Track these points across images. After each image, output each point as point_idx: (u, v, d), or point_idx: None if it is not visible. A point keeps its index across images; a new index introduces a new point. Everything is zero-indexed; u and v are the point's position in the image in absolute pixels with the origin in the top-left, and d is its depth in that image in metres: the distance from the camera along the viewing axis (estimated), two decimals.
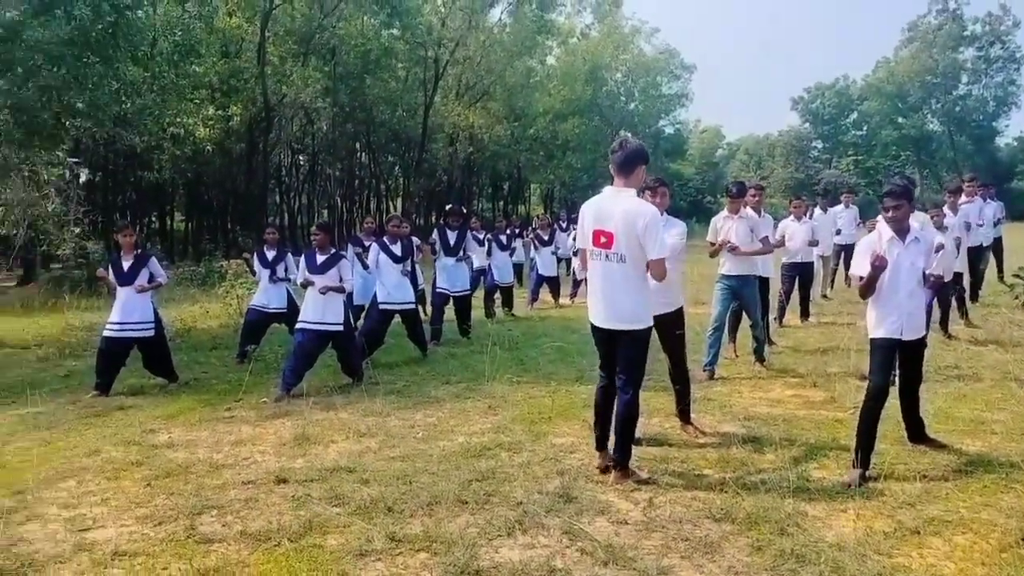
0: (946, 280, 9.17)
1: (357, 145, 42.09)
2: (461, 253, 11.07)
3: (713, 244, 8.13)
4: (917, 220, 5.32)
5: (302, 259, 8.26)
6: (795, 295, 11.06)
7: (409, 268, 9.63)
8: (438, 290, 10.94)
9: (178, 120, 18.53)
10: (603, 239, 4.73)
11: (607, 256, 4.74)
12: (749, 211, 8.25)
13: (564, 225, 18.41)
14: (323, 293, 7.78)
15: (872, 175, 70.80)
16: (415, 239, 10.67)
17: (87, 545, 4.10)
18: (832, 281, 14.60)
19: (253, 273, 10.61)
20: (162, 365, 8.38)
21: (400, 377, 8.39)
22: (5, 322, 13.86)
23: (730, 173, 79.36)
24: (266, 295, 9.87)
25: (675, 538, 4.01)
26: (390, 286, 9.22)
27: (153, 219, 39.29)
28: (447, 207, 13.19)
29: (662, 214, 5.80)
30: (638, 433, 5.20)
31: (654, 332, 5.08)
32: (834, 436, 5.71)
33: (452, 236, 11.02)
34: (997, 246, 13.09)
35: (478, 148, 42.34)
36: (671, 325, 5.83)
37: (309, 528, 4.22)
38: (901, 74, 63.19)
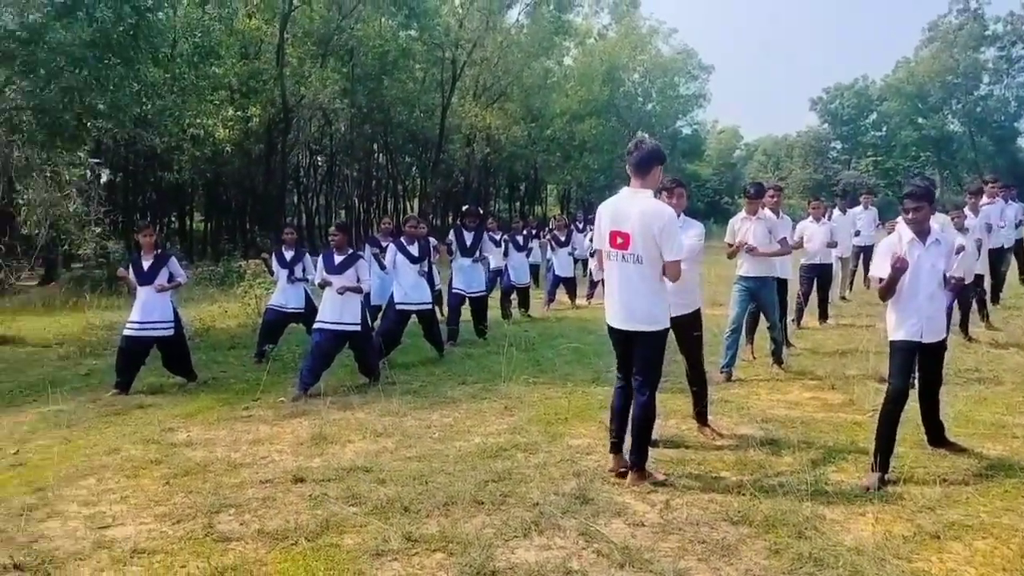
0: (967, 282, 9.10)
1: (375, 146, 42.19)
2: (477, 254, 11.08)
3: (731, 245, 8.10)
4: (937, 222, 5.27)
5: (320, 259, 8.29)
6: (813, 297, 10.99)
7: (426, 268, 9.66)
8: (454, 291, 10.95)
9: (198, 121, 18.64)
10: (620, 240, 4.72)
11: (624, 257, 4.73)
12: (767, 212, 8.21)
13: (581, 226, 18.41)
14: (341, 293, 7.81)
15: (892, 176, 70.20)
16: (432, 240, 10.69)
17: (106, 542, 4.14)
18: (851, 283, 14.49)
19: (271, 273, 10.67)
20: (181, 364, 8.45)
21: (417, 377, 8.41)
22: (27, 321, 14.00)
23: (748, 174, 78.97)
24: (284, 295, 9.92)
25: (692, 540, 4.00)
26: (407, 286, 9.24)
27: (172, 219, 39.49)
28: (464, 208, 13.19)
29: (679, 215, 5.79)
30: (655, 435, 5.19)
31: (671, 334, 5.07)
32: (852, 439, 5.67)
33: (469, 237, 11.04)
34: (1019, 248, 12.94)
35: (495, 149, 42.32)
36: (689, 327, 5.81)
37: (326, 527, 4.23)
38: (921, 74, 62.57)
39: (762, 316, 8.39)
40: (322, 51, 30.90)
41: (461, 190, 44.05)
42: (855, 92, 75.45)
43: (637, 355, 4.81)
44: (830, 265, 11.29)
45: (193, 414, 7.02)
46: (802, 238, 10.47)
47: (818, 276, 10.93)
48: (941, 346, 5.03)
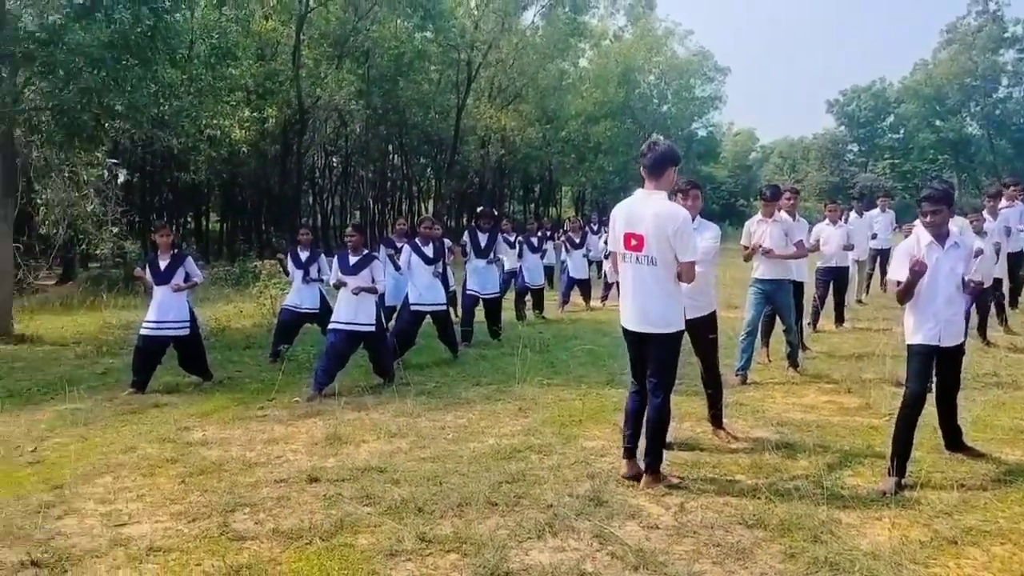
0: (985, 286, 9.03)
1: (390, 147, 42.31)
2: (492, 255, 11.08)
3: (747, 248, 8.07)
4: (956, 225, 5.24)
5: (335, 260, 8.31)
6: (830, 300, 10.94)
7: (440, 270, 9.67)
8: (468, 292, 10.95)
9: (214, 122, 18.72)
10: (634, 242, 4.71)
11: (638, 259, 4.72)
12: (783, 215, 8.17)
13: (595, 228, 18.38)
14: (356, 294, 7.83)
15: (909, 179, 69.80)
16: (447, 241, 10.70)
17: (122, 540, 4.16)
18: (867, 286, 14.42)
19: (287, 273, 10.71)
20: (197, 364, 8.49)
21: (431, 378, 8.42)
22: (45, 320, 14.11)
23: (763, 176, 78.64)
24: (299, 295, 9.95)
25: (707, 544, 3.98)
26: (421, 287, 9.26)
27: (189, 219, 39.75)
28: (478, 209, 13.20)
29: (695, 217, 5.77)
30: (669, 437, 5.17)
31: (686, 336, 5.05)
32: (869, 443, 5.63)
33: (483, 238, 11.05)
34: None
35: (510, 150, 42.34)
36: (704, 329, 5.79)
37: (340, 527, 4.24)
38: (939, 76, 62.15)
39: (778, 319, 8.35)
40: (338, 52, 31.02)
41: (476, 191, 44.13)
42: (872, 94, 75.06)
43: (652, 357, 4.80)
44: (846, 268, 11.24)
45: (209, 413, 7.05)
46: (818, 241, 10.42)
47: (834, 279, 10.87)
48: (959, 350, 4.99)
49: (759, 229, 8.08)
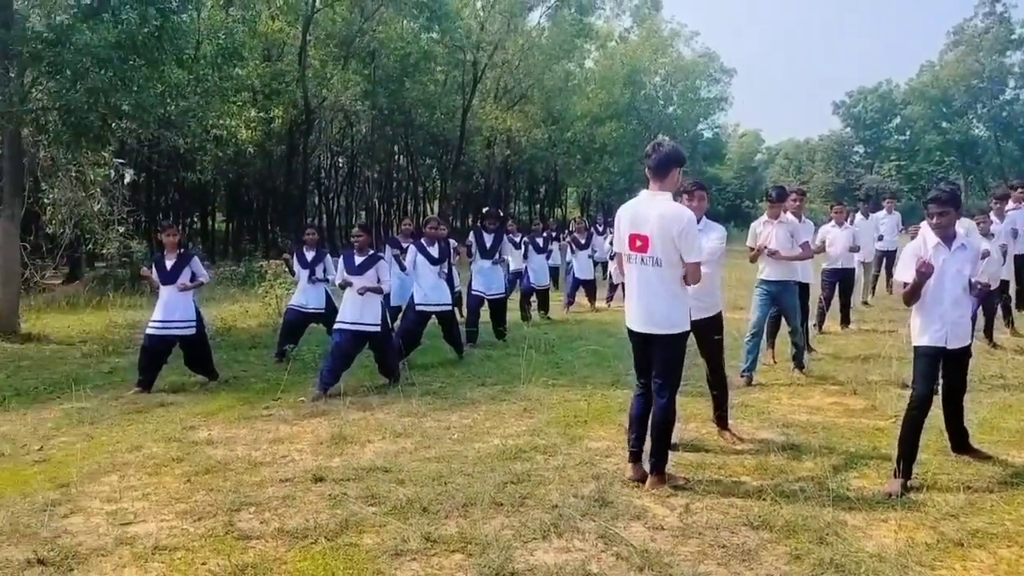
0: (992, 288, 9.00)
1: (395, 148, 42.32)
2: (497, 256, 11.08)
3: (752, 249, 8.06)
4: (963, 226, 5.22)
5: (340, 260, 8.32)
6: (835, 301, 10.92)
7: (446, 270, 9.68)
8: (473, 293, 10.95)
9: (221, 122, 18.74)
10: (639, 243, 4.71)
11: (643, 260, 4.72)
12: (790, 216, 8.16)
13: (601, 229, 18.37)
14: (361, 294, 7.83)
15: (915, 181, 69.65)
16: (452, 241, 10.71)
17: (128, 539, 4.17)
18: (873, 288, 14.39)
19: (292, 273, 10.72)
20: (203, 363, 8.51)
21: (436, 378, 8.42)
22: (51, 319, 14.14)
23: (769, 178, 78.58)
24: (304, 295, 9.96)
25: (712, 545, 3.98)
26: (427, 288, 9.26)
27: (195, 219, 39.83)
28: (484, 210, 13.22)
29: (700, 218, 5.77)
30: (675, 438, 5.17)
31: (692, 337, 5.05)
32: (875, 445, 5.62)
33: (488, 239, 11.04)
34: None
35: (515, 151, 42.32)
36: (710, 330, 5.79)
37: (345, 527, 4.25)
38: (946, 78, 61.99)
39: (783, 320, 8.34)
40: (344, 53, 31.05)
41: (481, 192, 44.16)
42: (879, 96, 74.91)
43: (657, 358, 4.80)
44: (852, 270, 11.21)
45: (214, 413, 7.06)
46: (824, 242, 10.40)
47: (840, 281, 10.85)
48: (966, 352, 4.98)
49: (765, 230, 8.07)
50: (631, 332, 4.91)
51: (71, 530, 4.32)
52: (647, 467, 4.84)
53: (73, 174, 14.57)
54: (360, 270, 8.00)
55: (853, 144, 78.55)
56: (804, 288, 8.56)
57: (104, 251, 17.48)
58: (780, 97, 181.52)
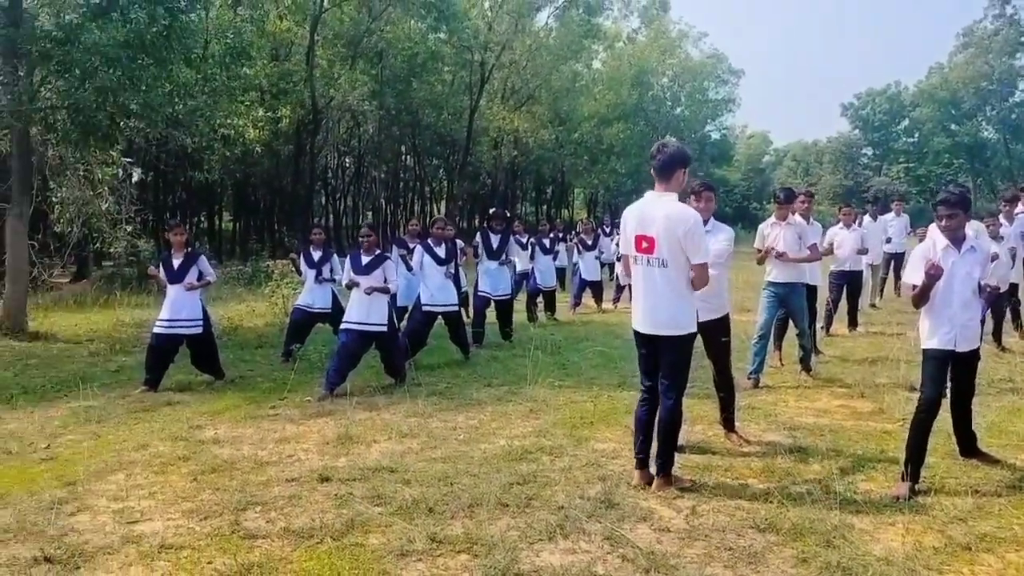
0: (1001, 291, 8.97)
1: (403, 148, 42.42)
2: (503, 257, 11.07)
3: (760, 251, 8.04)
4: (972, 229, 5.20)
5: (347, 260, 8.32)
6: (843, 304, 10.88)
7: (453, 270, 9.68)
8: (480, 293, 10.94)
9: (228, 121, 18.76)
10: (645, 244, 4.70)
11: (649, 261, 4.70)
12: (797, 218, 8.13)
13: (608, 230, 18.36)
14: (368, 294, 7.84)
15: (923, 183, 69.47)
16: (459, 242, 10.70)
17: (134, 537, 4.18)
18: (881, 290, 14.35)
19: (299, 273, 10.73)
20: (209, 362, 8.52)
21: (442, 379, 8.42)
22: (59, 317, 14.19)
23: (777, 179, 78.49)
24: (311, 295, 9.97)
25: (718, 547, 3.97)
26: (433, 288, 9.26)
27: (202, 219, 39.95)
28: (490, 211, 13.20)
29: (708, 219, 5.76)
30: (681, 440, 5.15)
31: (699, 339, 5.03)
32: (882, 448, 5.60)
33: (495, 240, 11.04)
34: None
35: (522, 152, 42.37)
36: (717, 332, 5.77)
37: (351, 527, 4.24)
38: (955, 80, 61.81)
39: (791, 322, 8.32)
40: (352, 53, 31.10)
41: (488, 193, 44.16)
42: (887, 98, 74.72)
43: (663, 360, 4.78)
44: (860, 272, 11.17)
45: (220, 412, 7.07)
46: (832, 244, 10.36)
47: (848, 283, 10.81)
48: (974, 355, 4.96)
49: (772, 232, 8.05)
50: (637, 334, 4.90)
51: (78, 528, 4.32)
52: (653, 469, 4.83)
53: (81, 173, 14.61)
54: (367, 270, 8.00)
55: (861, 146, 78.40)
56: (812, 290, 8.53)
57: (112, 250, 17.54)
58: (788, 98, 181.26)
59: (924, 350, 4.91)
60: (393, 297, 8.70)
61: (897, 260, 14.27)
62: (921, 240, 5.24)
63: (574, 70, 43.43)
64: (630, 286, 5.08)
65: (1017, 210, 10.39)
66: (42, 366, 9.64)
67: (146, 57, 11.61)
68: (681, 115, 57.76)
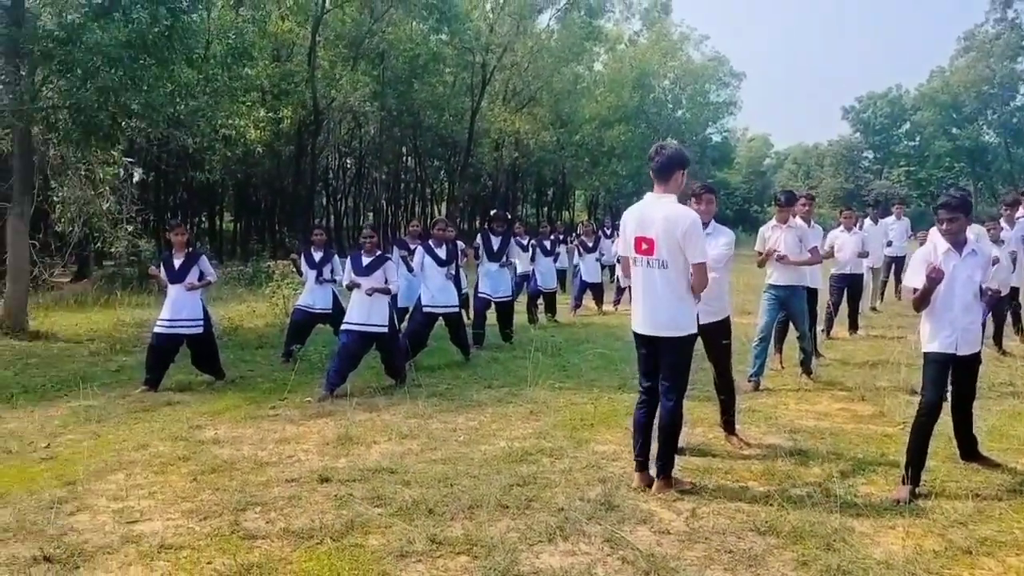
0: (1002, 295, 8.96)
1: (404, 149, 42.43)
2: (504, 258, 11.07)
3: (761, 254, 8.04)
4: (973, 232, 5.19)
5: (348, 261, 8.32)
6: (844, 307, 10.88)
7: (453, 272, 9.67)
8: (480, 295, 10.94)
9: (230, 122, 18.77)
10: (644, 246, 4.70)
11: (648, 262, 4.71)
12: (798, 221, 8.13)
13: (608, 232, 18.36)
14: (369, 295, 7.84)
15: (924, 187, 69.47)
16: (460, 243, 10.70)
17: (134, 537, 4.17)
18: (882, 293, 14.35)
19: (300, 274, 10.73)
20: (210, 362, 8.52)
21: (442, 380, 8.42)
22: (59, 317, 14.19)
23: (777, 182, 78.52)
24: (312, 296, 9.97)
25: (718, 550, 3.96)
26: (434, 289, 9.26)
27: (203, 219, 39.95)
28: (491, 212, 13.21)
29: (709, 222, 5.76)
30: (681, 443, 5.15)
31: (699, 341, 5.03)
32: (883, 451, 5.59)
33: (496, 241, 11.04)
34: None
35: (523, 154, 42.38)
36: (717, 334, 5.77)
37: (351, 527, 4.24)
38: (956, 84, 61.76)
39: (791, 325, 8.31)
40: (353, 54, 31.12)
41: (489, 194, 44.20)
42: (888, 101, 74.71)
43: (664, 361, 4.78)
44: (861, 275, 11.17)
45: (220, 412, 7.07)
46: (832, 247, 10.36)
47: (848, 286, 10.82)
48: (975, 359, 4.96)
49: (773, 235, 8.05)
50: (637, 335, 4.90)
51: (77, 528, 4.32)
52: (653, 471, 4.83)
53: (82, 172, 14.61)
54: (368, 271, 8.01)
55: (862, 149, 78.39)
56: (812, 293, 8.53)
57: (112, 250, 17.55)
58: (789, 101, 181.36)
59: (925, 353, 4.90)
60: (394, 298, 8.70)
61: (898, 263, 14.27)
62: (922, 244, 5.24)
63: (575, 72, 43.44)
64: (631, 288, 5.08)
65: (1018, 214, 10.38)
66: (42, 365, 9.64)
67: (148, 57, 11.62)
68: (682, 118, 57.80)
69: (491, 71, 36.83)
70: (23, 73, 11.68)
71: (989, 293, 5.09)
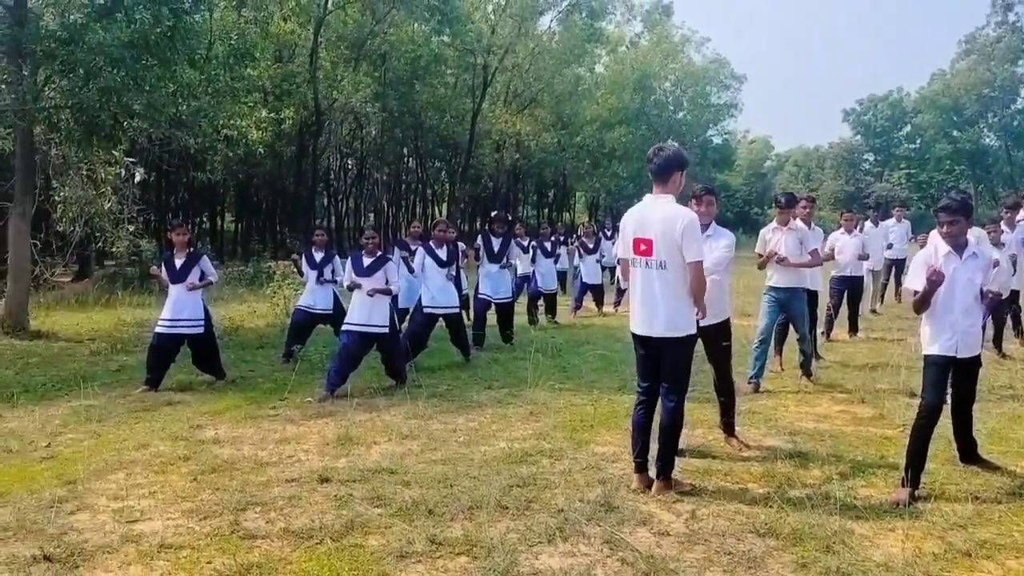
0: (1003, 297, 8.96)
1: (405, 150, 42.42)
2: (505, 260, 11.07)
3: (761, 256, 8.04)
4: (973, 235, 5.20)
5: (349, 262, 8.33)
6: (844, 309, 10.88)
7: (454, 273, 9.68)
8: (480, 296, 10.94)
9: (231, 122, 18.76)
10: (643, 247, 4.72)
11: (647, 263, 4.72)
12: (799, 223, 8.14)
13: (609, 233, 18.36)
14: (371, 295, 7.84)
15: (925, 189, 69.49)
16: (460, 244, 10.70)
17: (134, 536, 4.18)
18: (882, 296, 14.35)
19: (301, 274, 10.73)
20: (210, 362, 8.52)
21: (443, 381, 8.42)
22: (60, 316, 14.20)
23: (778, 184, 78.54)
24: (312, 296, 9.98)
25: (718, 552, 3.97)
26: (435, 290, 9.27)
27: (204, 219, 39.96)
28: (492, 213, 13.21)
29: (710, 223, 5.77)
30: (681, 444, 5.16)
31: (700, 343, 5.03)
32: (882, 454, 5.60)
33: (496, 242, 11.04)
34: None
35: (524, 155, 42.37)
36: (718, 336, 5.77)
37: (351, 528, 4.25)
38: (957, 87, 61.76)
39: (791, 328, 8.32)
40: (355, 55, 31.14)
41: (490, 196, 44.20)
42: (889, 104, 74.71)
43: (664, 362, 4.79)
44: (861, 278, 11.18)
45: (221, 412, 7.08)
46: (833, 250, 10.37)
47: (848, 288, 10.83)
48: (975, 362, 4.96)
49: (774, 237, 8.06)
50: (635, 336, 4.90)
51: (77, 527, 4.33)
52: (652, 473, 4.83)
53: (84, 172, 14.62)
54: (369, 272, 8.01)
55: (863, 152, 78.38)
56: (812, 295, 8.54)
57: (114, 249, 17.53)
58: (790, 104, 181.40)
59: (925, 356, 4.91)
60: (394, 299, 8.70)
61: (898, 266, 14.28)
62: (922, 246, 5.24)
63: (577, 74, 43.45)
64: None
65: (1018, 217, 10.39)
66: (43, 365, 9.65)
67: (150, 58, 11.63)
68: (683, 119, 57.79)
69: (492, 73, 36.82)
70: (26, 73, 11.69)
71: (989, 296, 5.08)
